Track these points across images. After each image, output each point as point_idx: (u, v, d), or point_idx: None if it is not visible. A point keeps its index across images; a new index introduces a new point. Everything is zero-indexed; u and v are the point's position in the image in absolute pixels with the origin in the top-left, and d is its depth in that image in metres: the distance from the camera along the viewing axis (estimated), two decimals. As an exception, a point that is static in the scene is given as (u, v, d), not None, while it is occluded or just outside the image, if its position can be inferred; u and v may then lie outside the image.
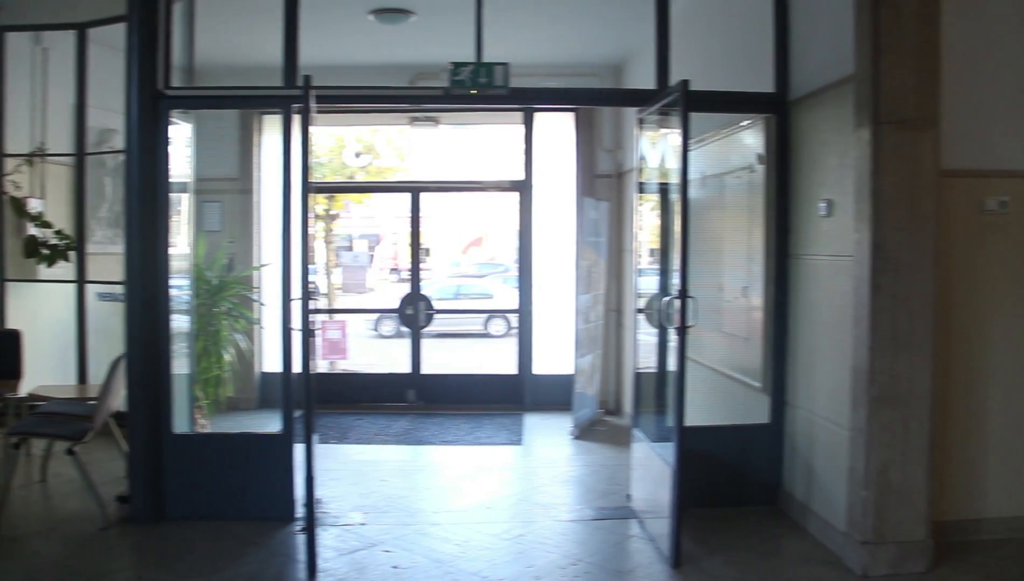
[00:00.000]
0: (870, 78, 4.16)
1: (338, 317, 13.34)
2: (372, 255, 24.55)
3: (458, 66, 5.00)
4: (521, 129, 8.38)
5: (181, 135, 5.21)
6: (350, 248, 23.99)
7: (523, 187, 8.44)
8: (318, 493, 4.76)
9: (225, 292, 7.45)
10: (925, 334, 4.18)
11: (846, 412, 4.36)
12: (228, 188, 8.17)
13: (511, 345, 9.28)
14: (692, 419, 4.66)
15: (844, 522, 4.41)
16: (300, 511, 4.93)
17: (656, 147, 5.34)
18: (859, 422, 4.23)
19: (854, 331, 4.26)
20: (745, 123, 5.45)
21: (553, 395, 8.16)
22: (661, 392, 5.15)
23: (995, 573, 4.22)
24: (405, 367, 8.74)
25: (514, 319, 9.26)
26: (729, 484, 5.22)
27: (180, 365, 5.20)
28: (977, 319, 4.59)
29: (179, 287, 5.22)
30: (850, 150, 4.33)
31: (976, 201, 4.56)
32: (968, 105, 4.52)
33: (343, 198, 18.63)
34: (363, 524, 4.98)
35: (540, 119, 8.38)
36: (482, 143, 14.24)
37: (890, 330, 4.14)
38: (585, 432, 7.42)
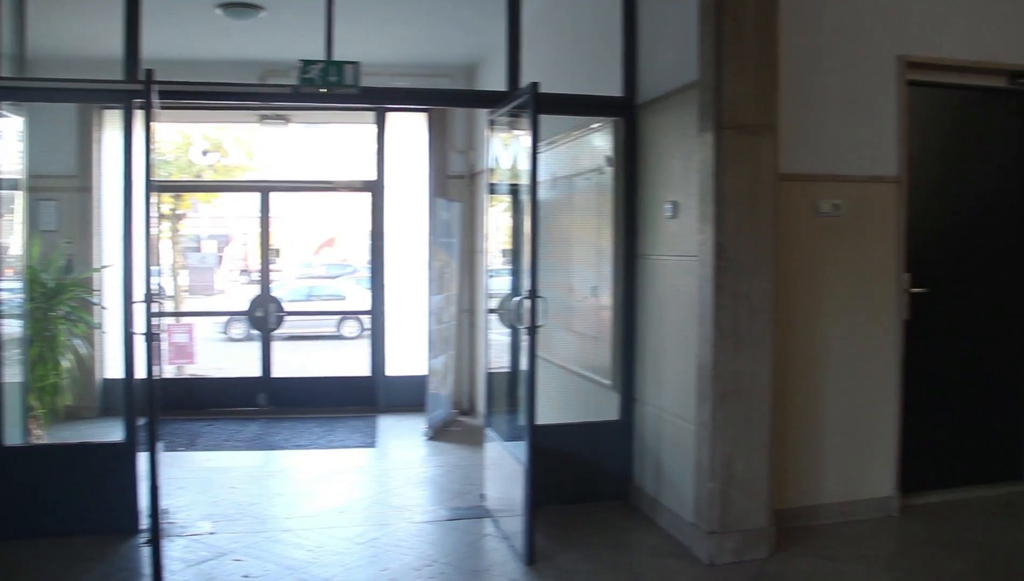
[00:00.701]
0: (713, 85, 4.31)
1: (185, 320, 12.92)
2: (221, 256, 23.86)
3: (308, 64, 4.91)
4: (373, 129, 8.30)
5: (12, 129, 4.94)
6: (198, 249, 23.24)
7: (375, 187, 8.36)
8: (164, 503, 4.60)
9: (63, 295, 7.09)
10: (765, 331, 4.36)
11: (692, 407, 4.50)
12: (66, 186, 7.77)
13: (364, 347, 9.18)
14: (544, 418, 4.72)
15: (692, 514, 4.55)
16: (145, 522, 4.73)
17: (507, 149, 5.38)
18: (704, 417, 4.37)
19: (699, 329, 4.41)
20: (595, 126, 5.55)
21: (407, 396, 8.12)
22: (513, 392, 5.19)
23: (831, 554, 4.45)
24: (255, 371, 8.52)
25: (367, 320, 9.15)
26: (581, 480, 5.31)
27: (12, 373, 4.93)
28: (813, 316, 4.84)
29: (11, 290, 4.96)
30: (694, 154, 4.47)
31: (812, 204, 4.80)
32: (804, 113, 4.75)
33: (190, 197, 18.02)
34: (212, 533, 4.83)
35: (392, 119, 8.32)
36: (334, 142, 14.02)
37: (732, 327, 4.30)
38: (439, 433, 7.42)
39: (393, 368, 8.39)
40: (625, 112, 5.26)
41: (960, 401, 5.49)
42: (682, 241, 4.66)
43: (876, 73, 4.94)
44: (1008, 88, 5.41)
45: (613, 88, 5.31)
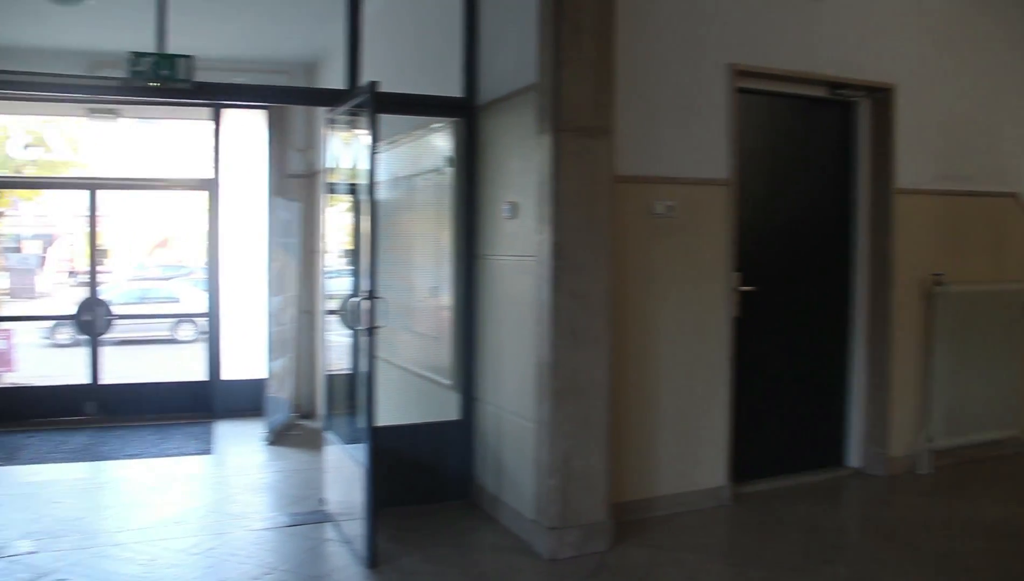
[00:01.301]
0: (551, 88, 4.36)
1: (3, 325, 12.24)
2: (44, 257, 22.68)
3: (138, 56, 4.71)
4: (210, 125, 8.06)
5: None
6: (18, 249, 22.02)
7: (211, 186, 8.11)
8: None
9: None
10: (602, 329, 4.45)
11: (531, 405, 4.55)
12: None
13: (200, 351, 8.90)
14: (385, 419, 4.68)
15: (532, 510, 4.59)
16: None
17: (347, 148, 5.31)
18: (543, 414, 4.42)
19: (537, 328, 4.46)
20: (436, 126, 5.54)
21: (245, 401, 7.90)
22: (353, 394, 5.13)
23: (667, 544, 4.58)
24: (84, 378, 8.12)
25: (203, 323, 8.87)
26: (423, 481, 5.29)
27: None
28: (649, 314, 4.97)
29: None
30: (533, 155, 4.51)
31: (647, 205, 4.93)
32: (640, 116, 4.88)
33: (10, 194, 17.06)
34: (33, 552, 4.53)
35: (230, 116, 8.09)
36: (168, 139, 13.56)
37: (570, 326, 4.37)
38: (279, 437, 7.26)
39: (230, 372, 8.16)
40: (465, 113, 5.27)
41: (787, 393, 5.76)
42: (521, 241, 4.70)
43: (708, 80, 5.13)
44: (829, 98, 5.74)
45: (455, 89, 5.32)
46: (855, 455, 5.99)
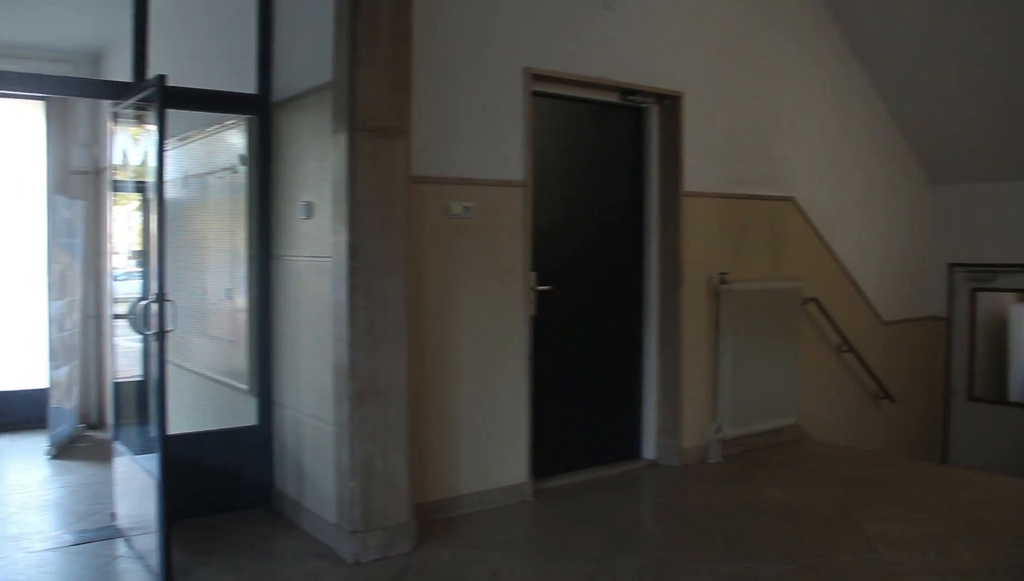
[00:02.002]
0: (347, 87, 4.30)
1: None
2: None
3: None
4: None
5: None
6: None
7: (-19, 182, 7.58)
8: None
9: None
10: (400, 330, 4.42)
11: (331, 408, 4.48)
12: None
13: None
14: (179, 427, 4.50)
15: (335, 514, 4.52)
16: None
17: (134, 144, 5.07)
18: (343, 417, 4.36)
19: (335, 329, 4.39)
20: (230, 123, 5.37)
21: (24, 413, 7.38)
22: (144, 401, 4.90)
23: (471, 543, 4.60)
24: None
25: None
26: (221, 490, 5.11)
27: None
28: (447, 313, 4.99)
29: None
30: (329, 155, 4.45)
31: (444, 206, 4.94)
32: (438, 117, 4.90)
33: None
34: None
35: (2, 106, 7.57)
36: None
37: (367, 327, 4.32)
38: (64, 450, 6.84)
39: (7, 382, 7.62)
40: (260, 110, 5.13)
41: (584, 390, 5.92)
42: (317, 242, 4.62)
43: (505, 83, 5.20)
44: (622, 103, 5.93)
45: (249, 85, 5.17)
46: (650, 447, 6.23)
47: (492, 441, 5.19)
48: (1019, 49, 6.87)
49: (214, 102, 5.15)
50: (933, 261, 8.70)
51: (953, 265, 8.64)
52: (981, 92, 7.44)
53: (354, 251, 4.28)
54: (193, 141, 5.82)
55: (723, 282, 6.25)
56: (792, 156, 7.00)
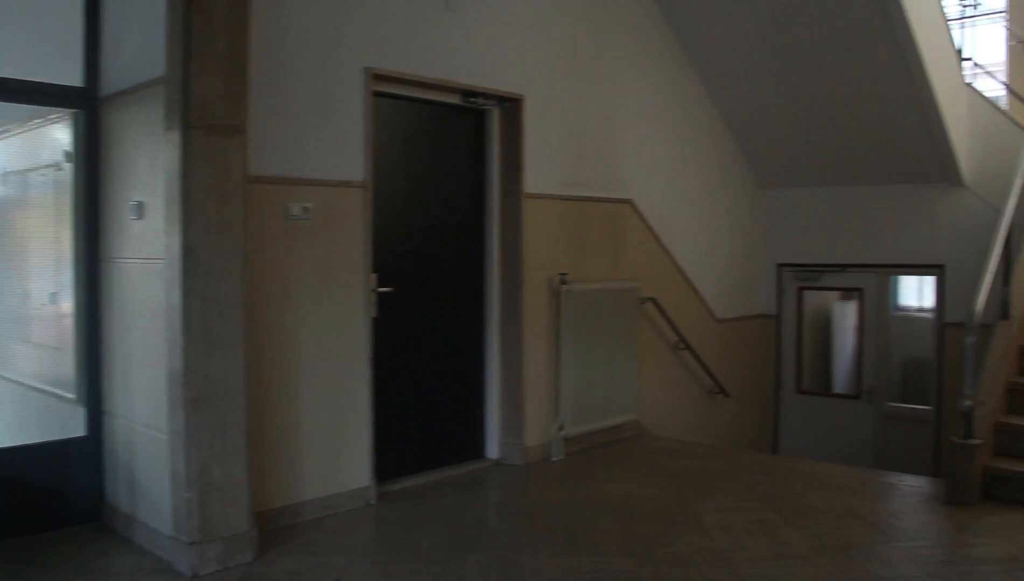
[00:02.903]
0: (180, 82, 4.15)
1: None
2: None
3: None
4: None
5: None
6: None
7: None
8: None
9: None
10: (237, 334, 4.30)
11: (165, 416, 4.31)
12: None
13: None
14: (-2, 440, 4.25)
15: (171, 527, 4.34)
16: None
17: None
18: (177, 425, 4.21)
19: (168, 334, 4.23)
20: (54, 117, 5.10)
21: None
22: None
23: (315, 549, 4.52)
24: None
25: None
26: (46, 506, 4.83)
27: None
28: (287, 317, 4.89)
29: None
30: (161, 153, 4.28)
31: (282, 207, 4.84)
32: (276, 116, 4.79)
33: None
34: None
35: None
36: None
37: (203, 331, 4.18)
38: None
39: None
40: (87, 104, 4.89)
41: (428, 391, 5.92)
42: (149, 243, 4.44)
43: (346, 82, 5.14)
44: (463, 105, 5.95)
45: (75, 77, 4.92)
46: (494, 447, 6.27)
47: (335, 445, 5.12)
48: (835, 65, 7.27)
49: (34, 94, 4.86)
50: (763, 262, 9.10)
51: (781, 265, 9.07)
52: (803, 103, 7.82)
53: (188, 253, 4.13)
54: (13, 135, 5.51)
55: (563, 283, 6.36)
56: (630, 159, 7.19)
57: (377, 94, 5.31)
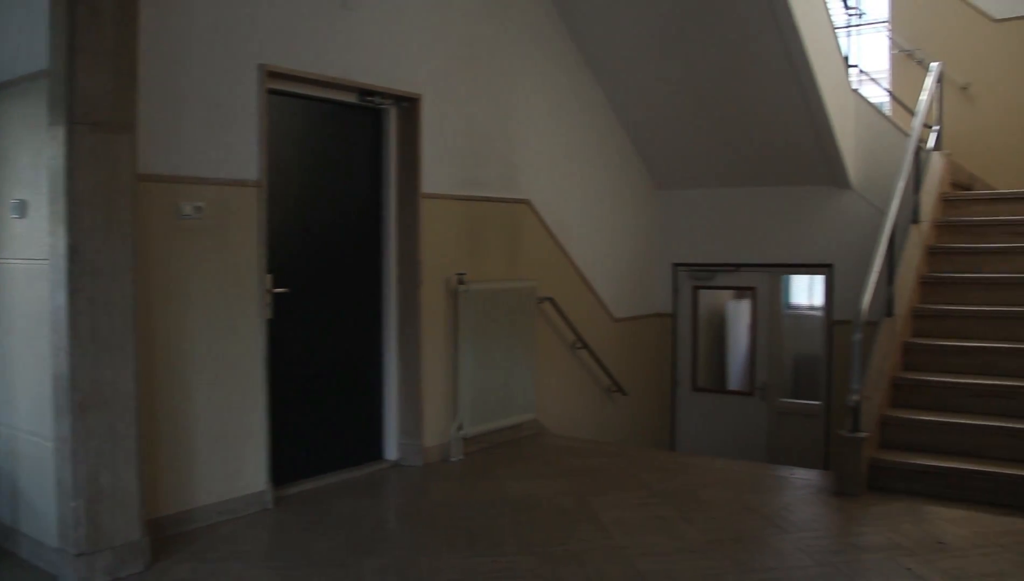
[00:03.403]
0: (65, 76, 4.00)
1: None
2: None
3: None
4: None
5: None
6: None
7: None
8: None
9: None
10: (127, 336, 4.17)
11: (50, 422, 4.15)
12: None
13: None
14: None
15: (56, 538, 4.18)
16: None
17: None
18: (63, 431, 4.05)
19: (53, 338, 4.07)
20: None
21: None
22: None
23: (210, 556, 4.42)
24: None
25: None
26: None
27: None
28: (179, 318, 4.76)
29: None
30: (45, 149, 4.12)
31: (174, 206, 4.72)
32: (168, 113, 4.67)
33: None
34: None
35: None
36: None
37: (90, 334, 4.04)
38: None
39: None
40: (-35, 98, 4.70)
41: (325, 393, 5.85)
42: (32, 243, 4.27)
43: (239, 79, 5.03)
44: (360, 104, 5.90)
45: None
46: (393, 448, 6.24)
47: (230, 449, 5.01)
48: (728, 70, 7.44)
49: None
50: (659, 261, 9.26)
51: (677, 265, 9.25)
52: (698, 107, 7.99)
53: (74, 253, 3.99)
54: None
55: (461, 282, 6.36)
56: (528, 160, 7.23)
57: (272, 92, 5.23)
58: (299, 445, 5.63)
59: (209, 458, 4.91)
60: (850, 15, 9.37)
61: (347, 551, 4.52)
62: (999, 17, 9.59)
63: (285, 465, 5.39)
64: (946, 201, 7.82)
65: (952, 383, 6.02)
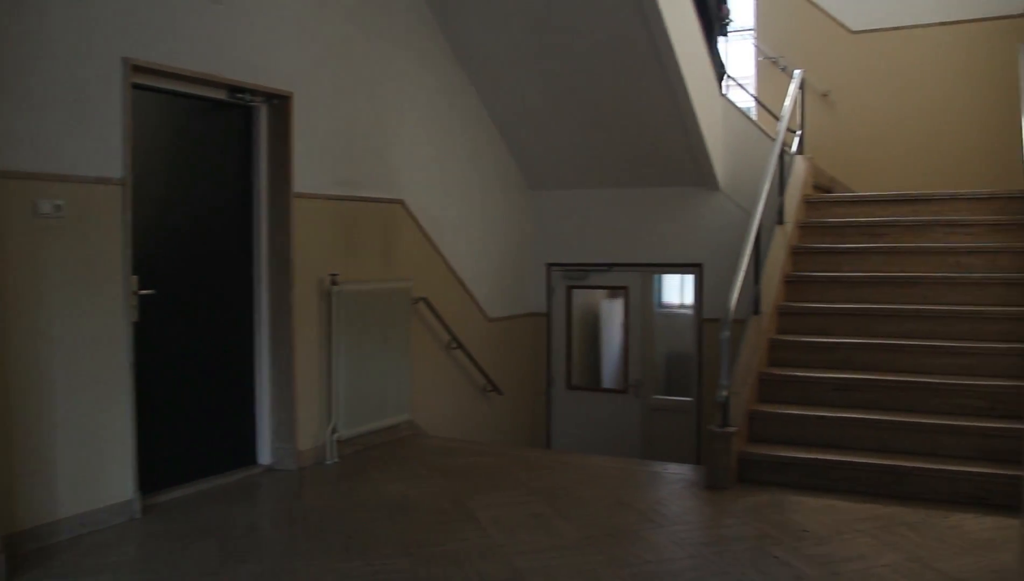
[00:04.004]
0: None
1: None
2: None
3: None
4: None
5: None
6: None
7: None
8: None
9: None
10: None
11: None
12: None
13: None
14: None
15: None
16: None
17: None
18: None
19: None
20: None
21: None
22: None
23: (73, 571, 4.23)
24: None
25: None
26: None
27: None
28: (38, 322, 4.54)
29: None
30: None
31: (31, 204, 4.50)
32: (23, 107, 4.44)
33: None
34: None
35: None
36: None
37: (-60, 339, 3.84)
38: None
39: None
40: None
41: (195, 397, 5.69)
42: None
43: (102, 73, 4.82)
44: (230, 101, 5.76)
45: None
46: (266, 452, 6.11)
47: (93, 458, 4.81)
48: (600, 73, 7.55)
49: None
50: (533, 261, 9.33)
51: (551, 265, 9.34)
52: (570, 108, 8.09)
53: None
54: None
55: (334, 283, 6.28)
56: (402, 159, 7.19)
57: (137, 87, 5.05)
58: (169, 451, 5.46)
59: (71, 468, 4.70)
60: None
61: (219, 560, 4.40)
62: (856, 29, 10.07)
63: (154, 472, 5.21)
64: (809, 203, 8.12)
65: (815, 378, 6.26)
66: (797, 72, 8.65)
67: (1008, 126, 8.48)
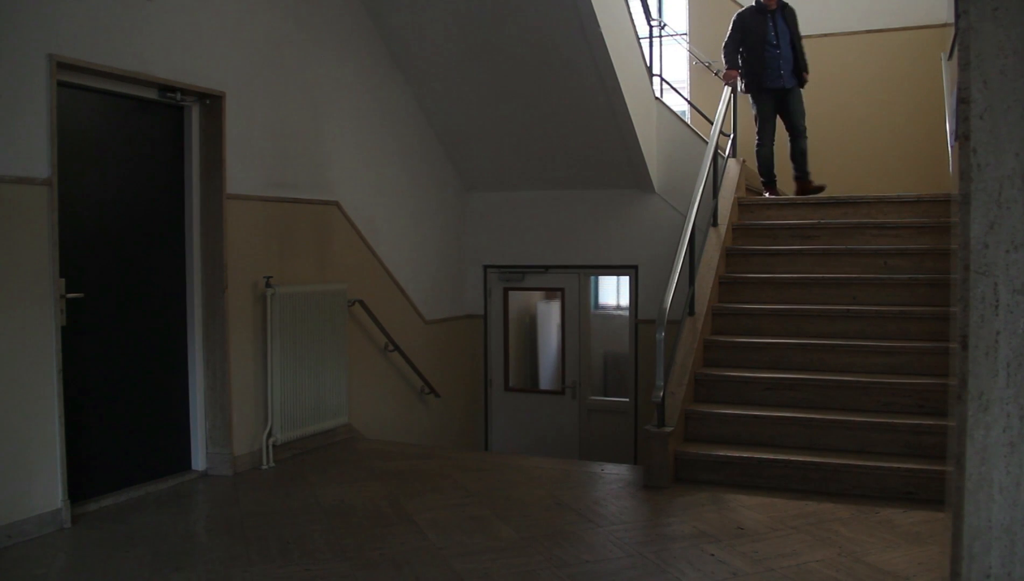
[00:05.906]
0: None
1: None
2: None
3: None
4: None
5: None
6: None
7: None
8: None
9: None
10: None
11: None
12: None
13: None
14: None
15: None
16: None
17: None
18: None
19: None
20: None
21: None
22: None
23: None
24: None
25: None
26: None
27: None
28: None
29: None
30: None
31: (-47, 204, 4.38)
32: (-59, 104, 4.32)
33: None
34: None
35: None
36: None
37: None
38: None
39: None
40: None
41: (127, 402, 5.56)
42: None
43: (26, 70, 4.69)
44: (160, 100, 5.65)
45: None
46: (200, 458, 6.00)
47: (19, 467, 4.67)
48: (536, 75, 7.58)
49: None
50: (469, 263, 9.33)
51: (487, 266, 9.34)
52: (507, 110, 8.11)
53: None
54: None
55: (269, 286, 6.20)
56: (337, 161, 7.13)
57: (64, 85, 4.93)
58: (100, 458, 5.33)
59: (-12, 477, 4.56)
60: (652, 26, 9.74)
61: (153, 568, 4.31)
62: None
63: (85, 480, 5.10)
64: (742, 205, 8.23)
65: (749, 377, 6.35)
66: (730, 76, 8.76)
67: (933, 131, 8.73)
